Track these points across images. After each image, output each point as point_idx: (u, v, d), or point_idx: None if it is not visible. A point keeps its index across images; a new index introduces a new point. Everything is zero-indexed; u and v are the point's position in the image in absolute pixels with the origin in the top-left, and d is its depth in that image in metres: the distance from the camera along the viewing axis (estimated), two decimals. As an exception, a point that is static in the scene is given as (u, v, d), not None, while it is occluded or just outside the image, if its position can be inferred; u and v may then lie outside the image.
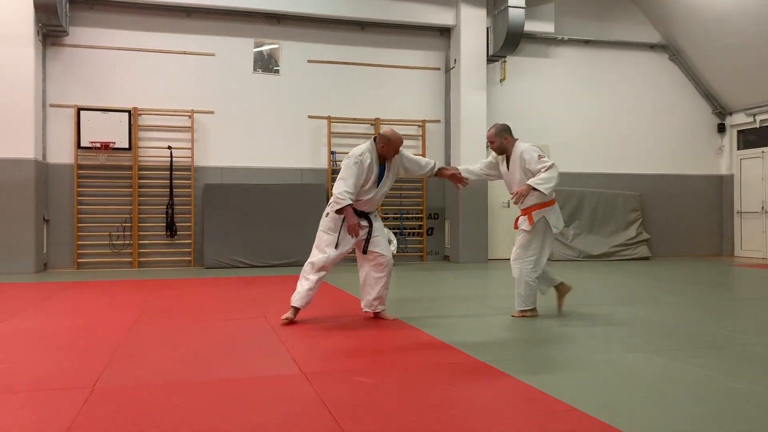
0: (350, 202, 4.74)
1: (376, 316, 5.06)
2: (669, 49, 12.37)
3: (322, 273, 4.88)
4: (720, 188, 12.70)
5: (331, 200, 4.87)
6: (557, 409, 2.72)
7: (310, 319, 4.95)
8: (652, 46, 12.36)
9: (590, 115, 12.00)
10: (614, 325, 4.78)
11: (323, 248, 4.86)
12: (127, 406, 2.76)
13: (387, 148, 4.90)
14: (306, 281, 4.87)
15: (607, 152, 12.08)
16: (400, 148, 4.99)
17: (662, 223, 12.29)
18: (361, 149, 4.89)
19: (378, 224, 5.06)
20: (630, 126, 12.23)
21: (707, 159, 12.70)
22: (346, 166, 4.83)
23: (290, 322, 4.81)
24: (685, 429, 2.49)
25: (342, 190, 4.73)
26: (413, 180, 11.06)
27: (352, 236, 4.82)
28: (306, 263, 4.92)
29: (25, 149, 8.95)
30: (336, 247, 4.83)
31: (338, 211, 4.78)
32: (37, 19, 9.00)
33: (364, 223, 4.95)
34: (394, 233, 10.68)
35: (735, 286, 7.77)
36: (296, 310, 4.87)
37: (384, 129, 5.15)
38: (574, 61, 11.97)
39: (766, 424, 2.54)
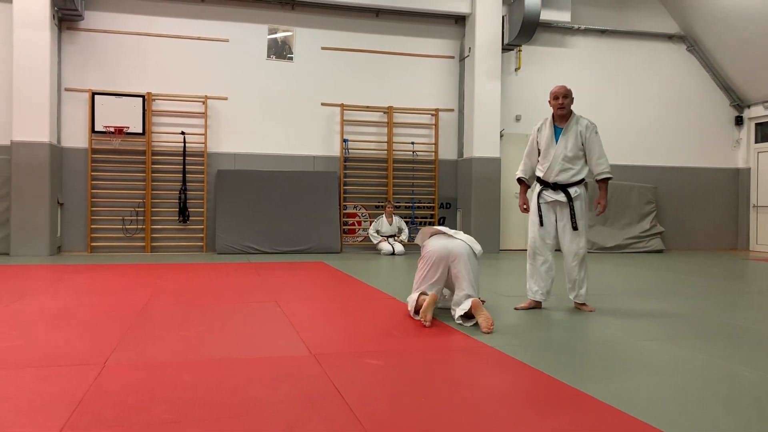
0: (521, 174, 5.03)
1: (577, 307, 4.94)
2: (687, 39, 12.20)
3: (534, 257, 4.92)
4: (736, 181, 12.54)
5: None
6: (567, 394, 2.70)
7: (319, 303, 4.95)
8: (669, 37, 12.19)
9: (606, 106, 11.86)
10: (627, 315, 4.74)
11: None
12: (138, 382, 2.77)
13: (552, 102, 5.07)
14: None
15: (622, 144, 11.95)
16: (593, 129, 5.03)
17: (677, 216, 12.17)
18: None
19: (578, 204, 4.82)
20: (646, 117, 12.09)
21: (724, 152, 12.54)
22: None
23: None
24: (693, 413, 2.46)
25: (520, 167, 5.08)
26: (425, 169, 11.03)
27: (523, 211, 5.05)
28: None
29: (40, 133, 9.01)
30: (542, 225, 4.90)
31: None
32: (53, 3, 9.04)
33: (562, 198, 4.81)
34: (406, 222, 10.67)
35: (751, 280, 7.68)
36: (534, 302, 4.95)
37: None
38: (590, 51, 11.84)
39: (780, 412, 2.50)
